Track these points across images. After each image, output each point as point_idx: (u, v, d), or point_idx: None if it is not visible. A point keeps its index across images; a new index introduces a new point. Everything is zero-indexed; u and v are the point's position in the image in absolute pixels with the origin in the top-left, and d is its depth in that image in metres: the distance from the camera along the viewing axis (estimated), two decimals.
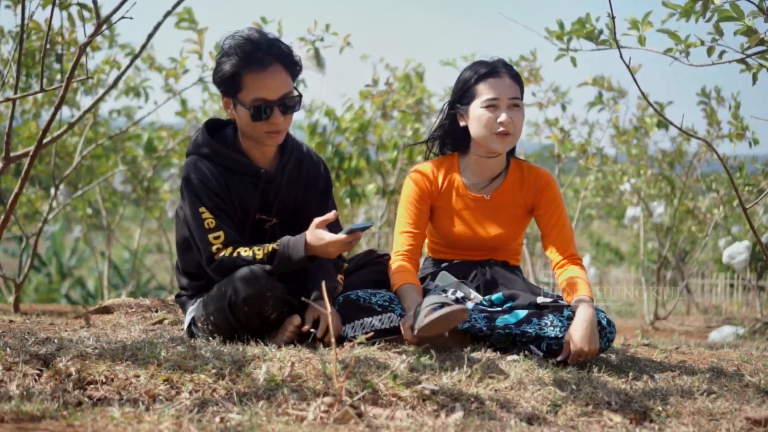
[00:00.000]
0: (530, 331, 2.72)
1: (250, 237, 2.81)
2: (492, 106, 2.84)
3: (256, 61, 2.65)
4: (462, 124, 2.94)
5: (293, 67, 2.74)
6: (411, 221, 2.98)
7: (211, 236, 2.69)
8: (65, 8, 3.81)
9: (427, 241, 3.14)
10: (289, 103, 2.71)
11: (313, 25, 5.00)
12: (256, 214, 2.83)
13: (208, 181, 2.73)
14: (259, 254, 2.67)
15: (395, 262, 2.94)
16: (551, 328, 2.71)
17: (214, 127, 2.87)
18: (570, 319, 2.71)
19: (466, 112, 2.91)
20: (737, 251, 6.39)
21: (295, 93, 2.74)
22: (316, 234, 2.64)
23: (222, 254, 2.68)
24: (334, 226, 2.75)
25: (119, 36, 5.60)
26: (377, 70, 6.17)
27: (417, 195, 2.99)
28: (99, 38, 5.30)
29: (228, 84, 2.69)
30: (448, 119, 2.99)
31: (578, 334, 2.64)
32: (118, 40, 5.59)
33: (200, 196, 2.71)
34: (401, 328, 2.75)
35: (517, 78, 2.89)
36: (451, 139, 3.02)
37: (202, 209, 2.70)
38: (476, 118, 2.87)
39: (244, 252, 2.68)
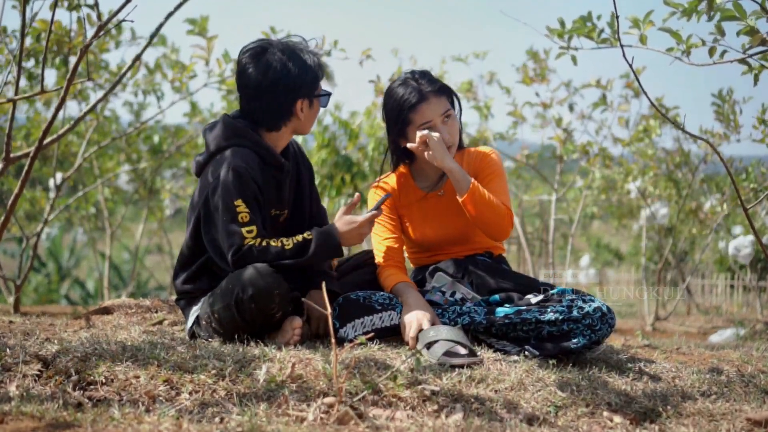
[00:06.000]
0: (530, 318, 2.73)
1: (270, 233, 2.85)
2: (427, 127, 2.93)
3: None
4: (403, 145, 3.03)
5: None
6: (386, 229, 3.09)
7: (244, 230, 2.70)
8: (74, 9, 3.79)
9: (406, 253, 3.20)
10: None
11: (321, 40, 5.06)
12: (272, 209, 2.89)
13: (253, 172, 2.77)
14: (288, 244, 2.72)
15: (383, 269, 3.02)
16: (551, 314, 2.71)
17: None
18: (569, 306, 2.70)
19: (405, 136, 2.99)
20: (743, 244, 6.42)
21: None
22: (347, 219, 2.81)
23: (251, 243, 2.70)
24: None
25: (141, 38, 5.59)
26: (383, 70, 6.21)
27: (385, 205, 3.08)
28: (107, 38, 5.31)
29: (309, 87, 2.86)
30: (392, 145, 3.08)
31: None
32: (122, 42, 5.58)
33: (241, 187, 2.73)
34: (402, 331, 2.78)
35: (442, 90, 2.97)
36: (401, 157, 3.10)
37: (237, 201, 2.72)
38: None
39: (273, 242, 2.71)
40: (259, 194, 2.78)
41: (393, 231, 3.08)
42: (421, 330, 2.72)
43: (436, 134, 2.89)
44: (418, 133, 2.90)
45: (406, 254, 3.20)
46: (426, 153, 2.90)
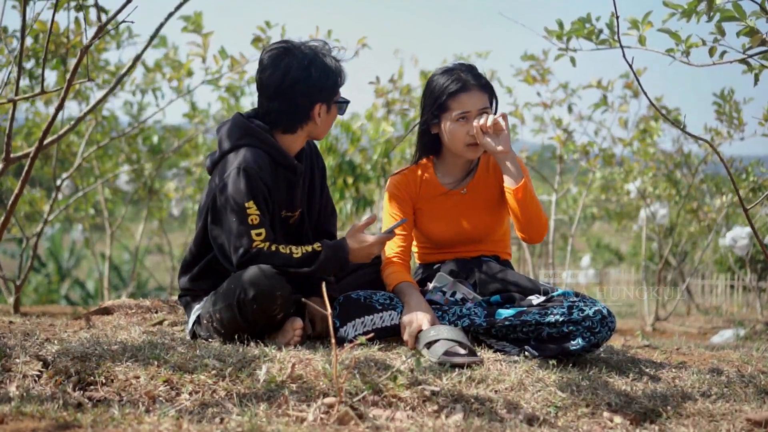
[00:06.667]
0: (530, 319, 2.72)
1: (279, 234, 2.85)
2: (463, 119, 2.93)
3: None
4: (434, 132, 3.03)
5: None
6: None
7: (254, 232, 2.69)
8: (81, 10, 3.79)
9: (415, 248, 3.18)
10: None
11: (315, 32, 5.02)
12: (283, 210, 2.88)
13: (263, 172, 2.76)
14: (297, 253, 2.72)
15: (387, 265, 3.01)
16: (551, 316, 2.71)
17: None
18: (570, 308, 2.70)
19: (438, 123, 2.99)
20: (740, 235, 6.41)
21: None
22: (359, 238, 2.80)
23: (260, 247, 2.69)
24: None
25: (138, 36, 5.59)
26: (383, 70, 6.19)
27: (399, 200, 3.08)
28: (107, 39, 5.31)
29: (329, 92, 2.86)
30: (423, 132, 3.07)
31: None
32: (122, 41, 5.58)
33: (253, 189, 2.72)
34: (402, 331, 2.78)
35: (485, 87, 2.97)
36: (428, 146, 3.09)
37: (249, 204, 2.70)
38: (449, 131, 2.97)
39: (282, 249, 2.71)
40: (268, 195, 2.77)
41: (403, 228, 3.06)
42: (420, 330, 2.73)
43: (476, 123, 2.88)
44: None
45: (414, 249, 3.18)
46: (486, 138, 2.87)
